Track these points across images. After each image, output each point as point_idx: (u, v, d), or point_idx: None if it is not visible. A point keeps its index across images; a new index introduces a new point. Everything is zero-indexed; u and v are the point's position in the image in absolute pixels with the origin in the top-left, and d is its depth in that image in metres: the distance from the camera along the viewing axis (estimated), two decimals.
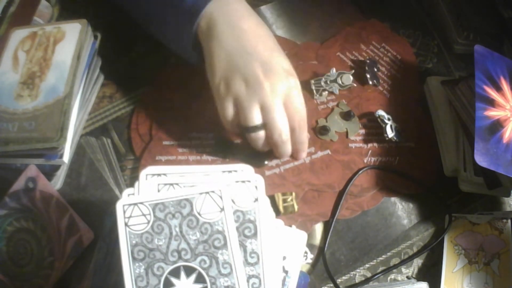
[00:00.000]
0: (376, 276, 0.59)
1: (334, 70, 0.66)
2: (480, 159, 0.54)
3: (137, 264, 0.43)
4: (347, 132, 0.64)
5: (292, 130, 0.54)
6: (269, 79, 0.50)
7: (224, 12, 0.51)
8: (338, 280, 0.58)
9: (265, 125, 0.52)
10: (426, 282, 0.58)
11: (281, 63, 0.52)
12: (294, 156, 0.59)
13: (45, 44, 0.58)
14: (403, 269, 0.60)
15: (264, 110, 0.51)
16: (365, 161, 0.63)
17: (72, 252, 0.53)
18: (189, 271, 0.44)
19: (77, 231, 0.54)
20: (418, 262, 0.61)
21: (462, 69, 0.73)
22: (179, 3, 0.52)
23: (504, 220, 0.60)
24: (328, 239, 0.59)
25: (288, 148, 0.55)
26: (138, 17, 0.59)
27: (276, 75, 0.50)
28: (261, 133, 0.53)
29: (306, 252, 0.57)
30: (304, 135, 0.56)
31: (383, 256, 0.60)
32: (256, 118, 0.51)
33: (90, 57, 0.60)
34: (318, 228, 0.60)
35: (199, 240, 0.44)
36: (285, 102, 0.52)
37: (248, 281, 0.44)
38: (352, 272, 0.59)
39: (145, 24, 0.59)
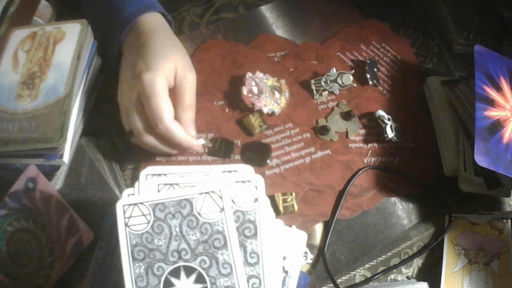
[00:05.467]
0: (376, 276, 0.59)
1: (334, 70, 0.66)
2: (480, 159, 0.54)
3: (137, 264, 0.43)
4: (347, 132, 0.64)
5: (156, 129, 0.53)
6: (123, 85, 0.56)
7: (137, 35, 0.57)
8: (338, 280, 0.58)
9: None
10: (426, 282, 0.58)
11: (139, 67, 0.53)
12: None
13: (45, 44, 0.58)
14: (403, 269, 0.60)
15: (126, 116, 0.56)
16: (365, 161, 0.63)
17: (72, 252, 0.53)
18: (189, 271, 0.44)
19: (77, 231, 0.54)
20: (418, 262, 0.61)
21: (462, 69, 0.73)
22: (114, 18, 0.58)
23: (504, 220, 0.60)
24: (328, 239, 0.59)
25: (158, 147, 0.56)
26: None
27: (128, 80, 0.55)
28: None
29: (306, 252, 0.57)
30: (170, 132, 0.53)
31: (383, 256, 0.60)
32: (126, 124, 0.56)
33: (90, 57, 0.60)
34: (318, 228, 0.60)
35: (199, 240, 0.44)
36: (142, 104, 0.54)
37: (248, 281, 0.44)
38: (352, 272, 0.59)
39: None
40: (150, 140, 0.54)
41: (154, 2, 0.60)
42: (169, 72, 0.53)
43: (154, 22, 0.58)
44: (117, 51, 0.59)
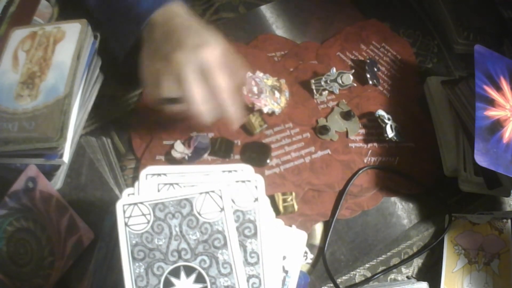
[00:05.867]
0: (376, 276, 0.59)
1: (334, 69, 0.66)
2: (480, 159, 0.54)
3: (137, 264, 0.43)
4: (347, 132, 0.64)
5: (216, 99, 0.54)
6: (179, 54, 0.53)
7: (165, 19, 0.56)
8: (338, 280, 0.58)
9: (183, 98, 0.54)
10: (426, 282, 0.58)
11: (194, 41, 0.54)
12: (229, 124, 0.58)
13: (45, 44, 0.58)
14: (403, 269, 0.60)
15: (177, 82, 0.53)
16: (365, 161, 0.63)
17: (72, 252, 0.53)
18: (189, 271, 0.44)
19: (77, 231, 0.54)
20: (418, 262, 0.61)
21: (462, 69, 0.73)
22: (127, 12, 0.57)
23: (504, 220, 0.60)
24: (328, 239, 0.59)
25: (207, 118, 0.55)
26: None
27: (187, 50, 0.53)
28: (179, 106, 0.55)
29: (306, 252, 0.57)
30: (226, 104, 0.55)
31: (383, 256, 0.60)
32: (168, 90, 0.54)
33: (90, 57, 0.60)
34: (318, 228, 0.60)
35: (199, 240, 0.44)
36: (202, 75, 0.53)
37: (248, 281, 0.44)
38: (352, 272, 0.59)
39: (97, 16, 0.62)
40: (204, 107, 0.54)
41: None
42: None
43: (184, 10, 0.58)
44: (133, 41, 0.58)
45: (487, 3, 0.75)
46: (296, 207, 0.58)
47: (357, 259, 0.59)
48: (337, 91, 0.66)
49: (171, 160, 0.60)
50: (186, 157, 0.59)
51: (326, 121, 0.65)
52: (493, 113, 0.58)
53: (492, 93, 0.59)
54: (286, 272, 0.51)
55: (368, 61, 0.68)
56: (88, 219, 0.55)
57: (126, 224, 0.44)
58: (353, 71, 0.67)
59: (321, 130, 0.63)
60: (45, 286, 0.52)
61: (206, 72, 0.52)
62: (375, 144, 0.64)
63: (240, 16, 0.71)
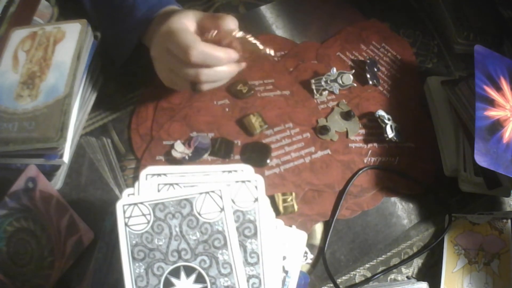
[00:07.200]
0: (376, 276, 0.59)
1: (334, 69, 0.66)
2: (480, 159, 0.54)
3: (137, 264, 0.43)
4: (347, 132, 0.64)
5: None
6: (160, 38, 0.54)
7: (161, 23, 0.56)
8: (338, 280, 0.58)
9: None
10: (426, 282, 0.58)
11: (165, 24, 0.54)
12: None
13: (45, 44, 0.58)
14: (403, 269, 0.60)
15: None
16: (365, 161, 0.63)
17: (72, 252, 0.53)
18: (189, 271, 0.44)
19: (77, 231, 0.54)
20: (418, 262, 0.61)
21: (462, 69, 0.73)
22: (127, 22, 0.58)
23: (504, 220, 0.60)
24: (328, 239, 0.59)
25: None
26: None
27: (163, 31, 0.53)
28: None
29: (306, 252, 0.57)
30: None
31: (383, 256, 0.60)
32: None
33: (90, 57, 0.60)
34: (318, 228, 0.60)
35: (199, 240, 0.44)
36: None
37: (248, 281, 0.44)
38: (352, 272, 0.59)
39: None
40: (207, 72, 0.53)
41: None
42: (185, 18, 0.53)
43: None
44: (132, 49, 0.59)
45: (487, 3, 0.75)
46: (296, 207, 0.58)
47: (357, 259, 0.59)
48: (337, 91, 0.66)
49: (171, 160, 0.60)
50: (187, 157, 0.59)
51: (326, 121, 0.65)
52: (493, 113, 0.58)
53: (492, 93, 0.59)
54: (286, 272, 0.51)
55: (368, 61, 0.68)
56: (88, 219, 0.55)
57: (126, 224, 0.44)
58: (353, 71, 0.67)
59: (321, 130, 0.63)
60: (45, 286, 0.52)
61: (171, 48, 0.52)
62: (375, 144, 0.64)
63: (240, 16, 0.71)
